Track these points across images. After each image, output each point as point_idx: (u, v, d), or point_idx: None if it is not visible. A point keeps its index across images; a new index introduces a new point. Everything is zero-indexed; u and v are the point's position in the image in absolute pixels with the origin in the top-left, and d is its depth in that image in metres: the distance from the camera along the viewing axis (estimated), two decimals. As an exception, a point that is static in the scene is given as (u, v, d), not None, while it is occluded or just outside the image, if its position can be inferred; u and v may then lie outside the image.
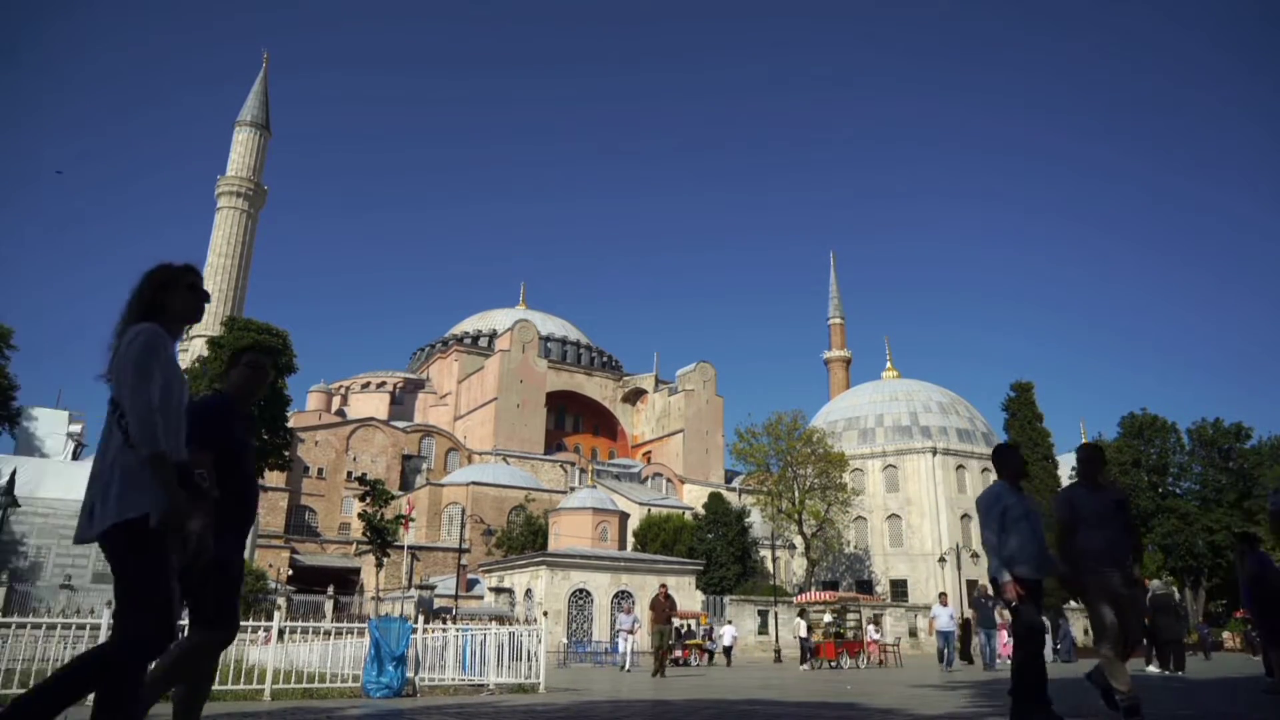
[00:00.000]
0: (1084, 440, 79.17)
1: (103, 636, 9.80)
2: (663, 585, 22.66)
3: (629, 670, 21.30)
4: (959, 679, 15.18)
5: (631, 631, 23.36)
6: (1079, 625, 43.97)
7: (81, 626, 10.71)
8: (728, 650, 34.48)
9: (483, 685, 11.77)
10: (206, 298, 3.59)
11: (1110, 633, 6.18)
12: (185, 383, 3.49)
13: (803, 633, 34.09)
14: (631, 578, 43.76)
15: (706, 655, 33.98)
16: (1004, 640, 27.67)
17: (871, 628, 35.58)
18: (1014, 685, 6.31)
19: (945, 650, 20.81)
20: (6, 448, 52.74)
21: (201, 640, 3.92)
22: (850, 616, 34.35)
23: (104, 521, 3.09)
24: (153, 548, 3.10)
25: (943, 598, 23.98)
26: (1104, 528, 6.24)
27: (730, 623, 40.31)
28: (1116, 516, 6.32)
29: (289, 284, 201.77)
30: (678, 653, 30.43)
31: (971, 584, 61.08)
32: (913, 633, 47.32)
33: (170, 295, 3.43)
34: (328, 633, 13.85)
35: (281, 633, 11.68)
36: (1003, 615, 23.58)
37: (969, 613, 31.21)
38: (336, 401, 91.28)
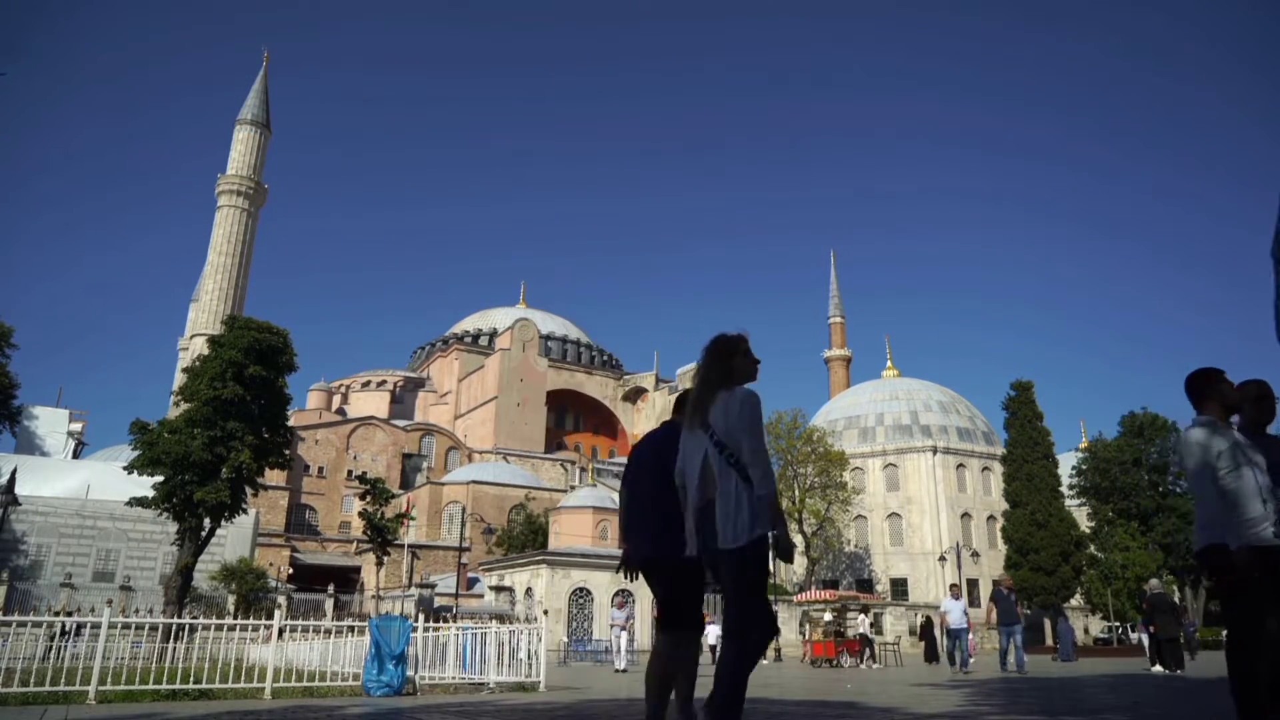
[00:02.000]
0: (1085, 439, 79.20)
1: (103, 635, 9.81)
2: None
3: (625, 670, 19.96)
4: (959, 678, 15.18)
5: (624, 628, 21.95)
6: (1079, 625, 44.04)
7: (82, 625, 10.71)
8: (712, 649, 34.59)
9: (483, 684, 11.77)
10: (758, 361, 4.25)
11: None
12: None
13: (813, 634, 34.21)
14: (632, 576, 43.77)
15: (710, 652, 34.03)
16: (973, 642, 27.15)
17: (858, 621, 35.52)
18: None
19: (956, 650, 18.67)
20: (7, 446, 52.79)
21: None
22: (850, 616, 34.40)
23: (742, 537, 3.78)
24: (766, 561, 3.91)
25: (954, 590, 21.07)
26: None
27: (713, 622, 40.38)
28: None
29: (289, 283, 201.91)
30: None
31: (972, 583, 61.16)
32: (912, 631, 47.32)
33: (735, 361, 4.14)
34: (328, 631, 13.86)
35: (282, 631, 11.68)
36: (1022, 612, 21.80)
37: (982, 610, 29.33)
38: (337, 400, 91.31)
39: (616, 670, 19.97)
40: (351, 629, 13.24)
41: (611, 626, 24.20)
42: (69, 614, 25.84)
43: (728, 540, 3.80)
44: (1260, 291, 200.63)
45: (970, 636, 29.53)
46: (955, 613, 19.14)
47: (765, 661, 32.47)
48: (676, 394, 5.34)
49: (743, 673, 3.79)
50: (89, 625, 10.51)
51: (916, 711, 7.39)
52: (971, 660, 18.89)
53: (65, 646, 13.00)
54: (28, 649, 10.83)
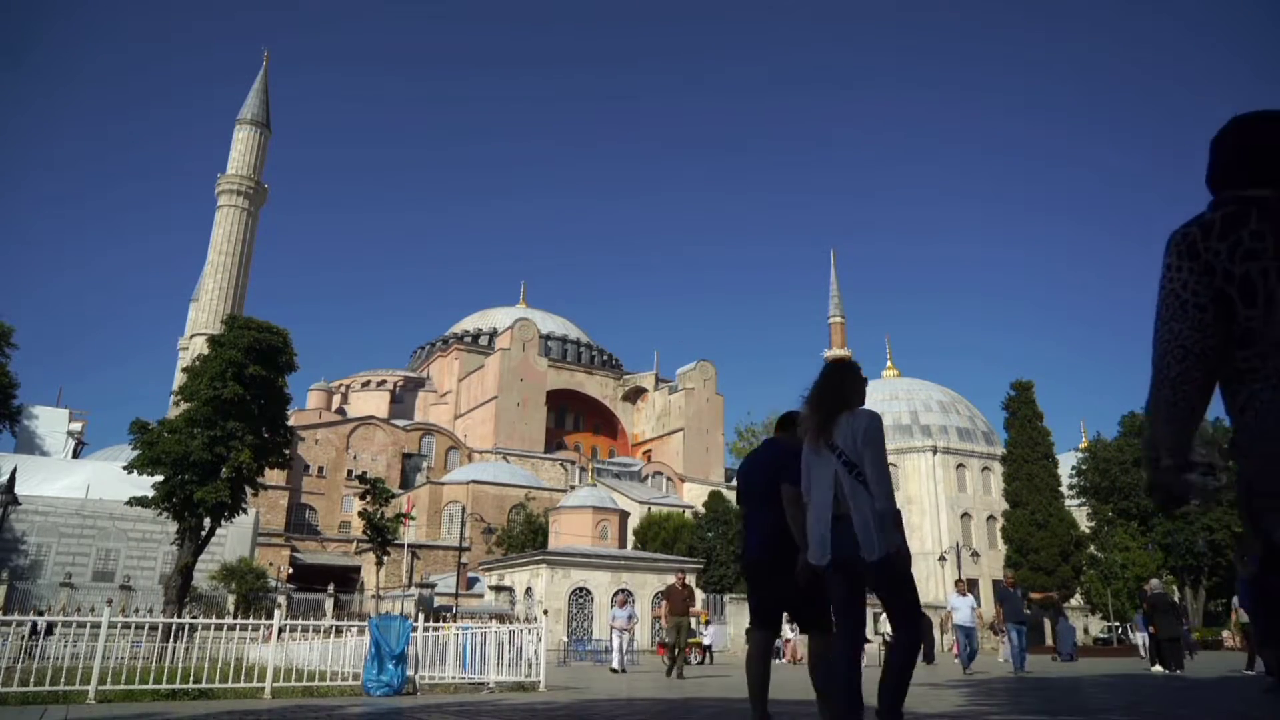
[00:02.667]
0: (1085, 439, 79.20)
1: (103, 635, 9.81)
2: (680, 573, 19.75)
3: (622, 670, 19.24)
4: (957, 678, 15.18)
5: (626, 628, 21.15)
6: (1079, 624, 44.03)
7: (82, 625, 10.71)
8: (708, 649, 34.61)
9: (483, 684, 11.76)
10: (866, 381, 4.72)
11: None
12: None
13: (790, 634, 34.32)
14: (632, 576, 43.77)
15: (705, 653, 34.05)
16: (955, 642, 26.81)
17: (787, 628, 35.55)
18: None
19: (966, 648, 17.89)
20: (7, 446, 52.79)
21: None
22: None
23: (884, 549, 4.16)
24: (908, 567, 4.34)
25: (960, 585, 20.22)
26: None
27: (709, 623, 40.40)
28: None
29: (289, 282, 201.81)
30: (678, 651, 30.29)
31: (972, 583, 61.14)
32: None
33: (850, 385, 4.55)
34: (328, 630, 13.87)
35: (281, 631, 11.68)
36: (1030, 609, 20.68)
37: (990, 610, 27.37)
38: (337, 400, 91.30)
39: (613, 670, 19.29)
40: (337, 629, 13.23)
41: (612, 626, 23.30)
42: (39, 613, 25.77)
43: (872, 552, 4.17)
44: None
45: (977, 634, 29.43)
46: (963, 610, 18.24)
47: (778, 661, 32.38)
48: (780, 414, 5.68)
49: (910, 665, 4.31)
50: (61, 624, 10.46)
51: (917, 711, 7.39)
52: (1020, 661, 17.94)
53: (37, 646, 12.99)
54: (12, 649, 10.83)
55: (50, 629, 12.88)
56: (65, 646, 11.13)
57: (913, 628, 4.33)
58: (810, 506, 4.48)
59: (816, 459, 4.45)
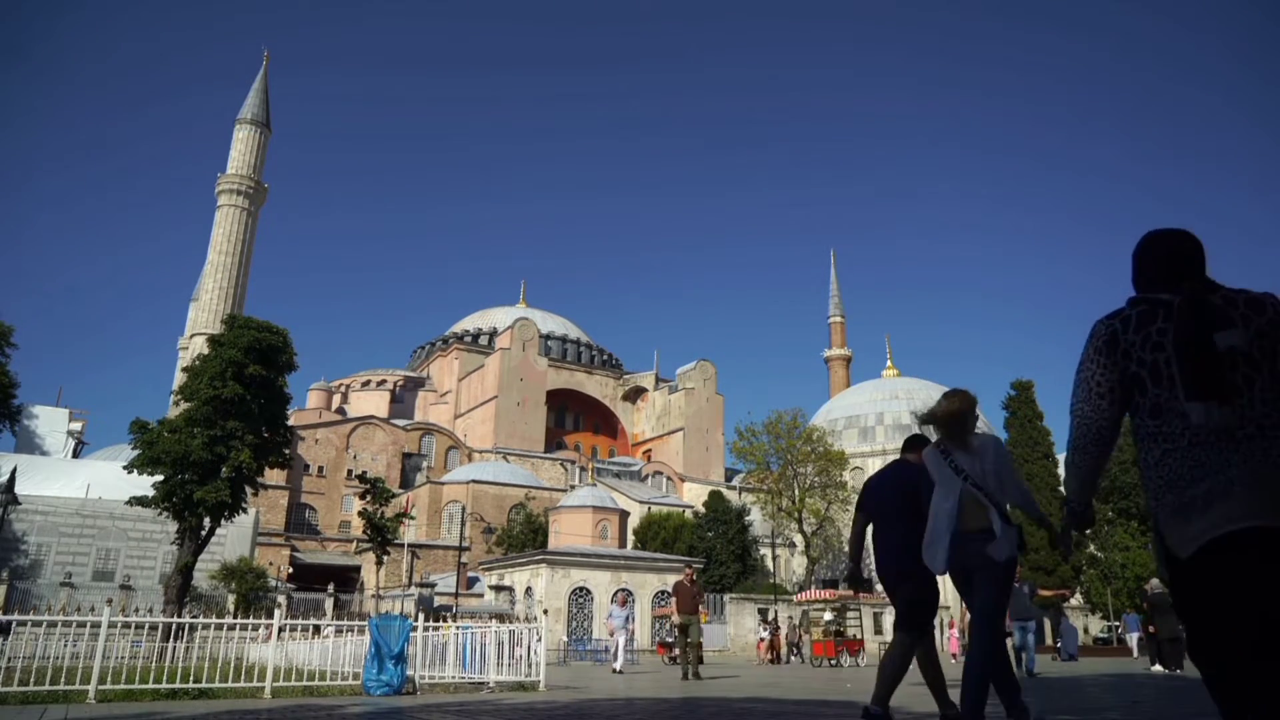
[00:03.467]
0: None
1: (103, 634, 9.80)
2: (689, 568, 18.45)
3: (620, 670, 18.69)
4: (957, 678, 15.14)
5: (625, 629, 20.45)
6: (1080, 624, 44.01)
7: (82, 624, 10.71)
8: (697, 646, 34.63)
9: (483, 683, 11.76)
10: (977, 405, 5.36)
11: None
12: None
13: (764, 632, 34.33)
14: (632, 576, 43.77)
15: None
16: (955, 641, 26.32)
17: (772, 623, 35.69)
18: None
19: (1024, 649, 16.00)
20: (7, 446, 52.76)
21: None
22: (850, 615, 34.41)
23: (1002, 557, 4.79)
24: (1012, 578, 5.04)
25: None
26: None
27: (709, 621, 40.51)
28: None
29: (289, 282, 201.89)
30: (678, 651, 30.26)
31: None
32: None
33: (970, 415, 5.03)
34: (340, 630, 13.87)
35: (281, 630, 11.68)
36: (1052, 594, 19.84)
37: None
38: (337, 399, 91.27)
39: (614, 671, 18.71)
40: (351, 628, 13.22)
41: (610, 627, 22.48)
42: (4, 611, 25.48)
43: (994, 560, 4.81)
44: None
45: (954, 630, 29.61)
46: (1022, 601, 15.91)
47: (793, 662, 32.46)
48: (907, 436, 6.36)
49: (987, 669, 5.12)
50: (15, 623, 10.41)
51: (917, 711, 7.39)
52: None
53: (65, 645, 12.97)
54: (28, 648, 10.82)
55: (4, 629, 12.64)
56: (65, 646, 11.13)
57: (996, 627, 5.05)
58: (933, 519, 4.97)
59: (944, 481, 4.98)
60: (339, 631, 13.91)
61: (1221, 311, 2.60)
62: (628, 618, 21.03)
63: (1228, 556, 2.43)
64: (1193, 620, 2.56)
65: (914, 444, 5.95)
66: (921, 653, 5.96)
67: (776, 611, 44.35)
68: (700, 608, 17.92)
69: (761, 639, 34.54)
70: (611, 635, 21.56)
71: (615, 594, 40.85)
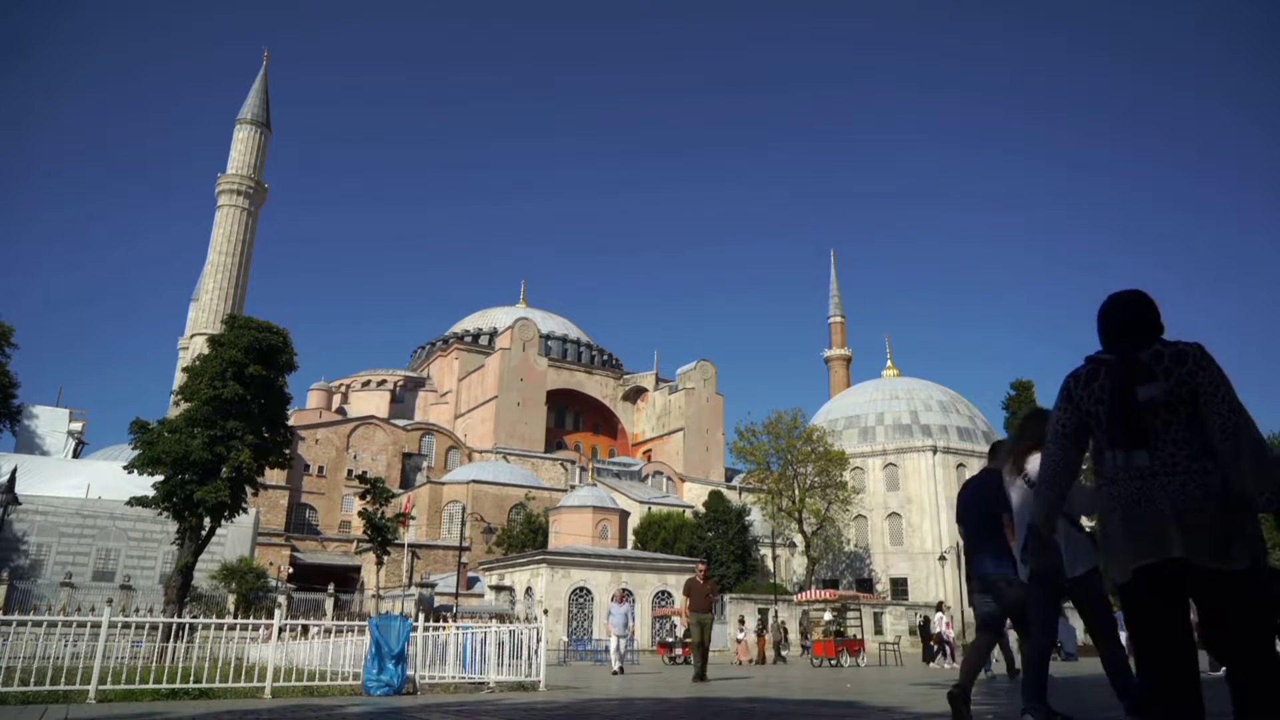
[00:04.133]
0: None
1: (103, 634, 9.80)
2: (702, 563, 17.64)
3: (621, 671, 18.02)
4: (956, 678, 15.13)
5: (625, 630, 19.81)
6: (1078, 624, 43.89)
7: (82, 624, 10.70)
8: (678, 644, 34.59)
9: (483, 683, 11.76)
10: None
11: None
12: None
13: (740, 634, 34.00)
14: (632, 576, 43.77)
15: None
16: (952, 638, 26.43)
17: (746, 627, 35.31)
18: None
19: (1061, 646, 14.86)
20: (7, 446, 52.79)
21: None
22: (850, 615, 34.41)
23: (1079, 569, 5.12)
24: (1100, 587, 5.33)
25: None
26: None
27: (721, 621, 40.43)
28: None
29: (290, 282, 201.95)
30: (678, 651, 30.27)
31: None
32: (912, 631, 47.32)
33: (1038, 425, 5.20)
34: (328, 630, 13.86)
35: (281, 630, 11.68)
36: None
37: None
38: (337, 399, 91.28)
39: (614, 672, 17.95)
40: (351, 628, 13.22)
41: (609, 627, 21.41)
42: None
43: (1073, 570, 5.15)
44: (1261, 291, 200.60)
45: (949, 632, 29.58)
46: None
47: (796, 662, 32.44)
48: (992, 443, 7.22)
49: (1044, 660, 5.47)
50: (62, 624, 10.48)
51: (917, 711, 7.39)
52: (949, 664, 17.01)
53: (66, 645, 12.97)
54: (28, 649, 10.81)
55: None
56: (66, 646, 11.13)
57: (1041, 635, 5.42)
58: (1014, 529, 5.43)
59: (1015, 490, 5.36)
60: (328, 633, 13.90)
61: (1147, 368, 3.06)
62: (627, 616, 20.22)
63: (1131, 589, 3.01)
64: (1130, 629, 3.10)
65: (996, 451, 6.51)
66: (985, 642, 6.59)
67: (762, 611, 44.37)
68: (714, 608, 17.22)
69: (740, 640, 33.99)
70: (611, 636, 20.81)
71: (615, 593, 40.78)
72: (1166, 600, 2.94)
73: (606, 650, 33.84)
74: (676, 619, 37.34)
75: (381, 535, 41.13)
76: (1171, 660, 2.90)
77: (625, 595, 27.47)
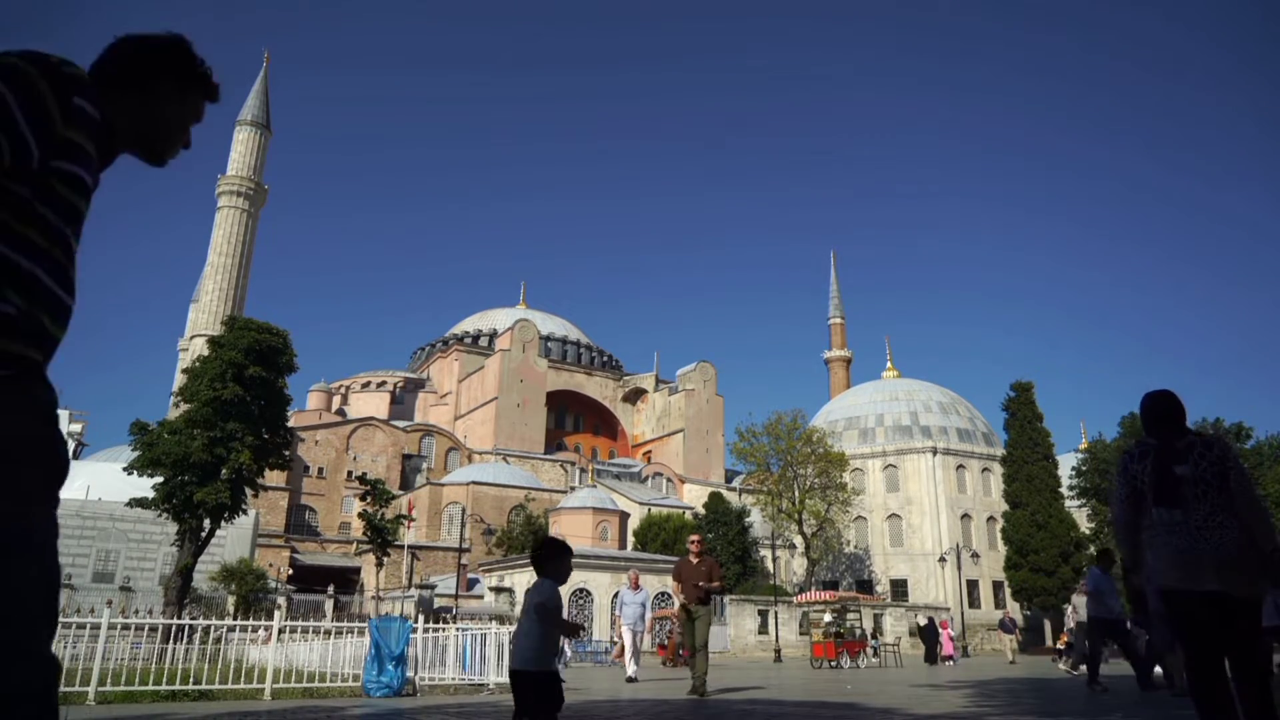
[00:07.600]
0: (1085, 440, 79.15)
1: (103, 635, 9.80)
2: (696, 536, 12.00)
3: (634, 678, 14.45)
4: (957, 678, 15.14)
5: (640, 626, 15.56)
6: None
7: (82, 626, 10.70)
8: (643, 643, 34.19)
9: (483, 685, 11.76)
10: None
11: None
12: None
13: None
14: (632, 577, 43.72)
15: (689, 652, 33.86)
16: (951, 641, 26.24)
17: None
18: None
19: (1100, 653, 11.95)
20: (7, 447, 52.61)
21: None
22: (850, 616, 34.37)
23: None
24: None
25: (1105, 557, 12.26)
26: None
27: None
28: None
29: (290, 283, 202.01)
30: (682, 653, 30.12)
31: (972, 584, 61.10)
32: (912, 632, 47.33)
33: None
34: (328, 632, 13.85)
35: (281, 632, 11.68)
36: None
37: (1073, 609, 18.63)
38: (337, 401, 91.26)
39: (628, 679, 14.42)
40: (351, 630, 13.20)
41: (620, 621, 16.73)
42: None
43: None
44: (1261, 291, 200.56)
45: (947, 632, 29.64)
46: (1098, 604, 11.69)
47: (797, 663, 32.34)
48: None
49: (1150, 659, 6.57)
50: (88, 626, 10.52)
51: (916, 712, 7.39)
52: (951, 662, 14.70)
53: (64, 647, 12.98)
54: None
55: None
56: (65, 648, 11.14)
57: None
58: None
59: None
60: (328, 634, 13.88)
61: (1181, 452, 4.24)
62: (644, 606, 15.90)
63: (1173, 605, 4.17)
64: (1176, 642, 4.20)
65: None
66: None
67: (762, 613, 44.33)
68: (715, 588, 11.22)
69: (617, 643, 28.42)
70: (620, 631, 16.90)
71: (629, 576, 34.72)
72: (1205, 616, 4.05)
73: (607, 651, 33.28)
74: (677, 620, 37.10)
75: (381, 537, 41.12)
76: (1202, 656, 4.04)
77: (639, 578, 19.32)
